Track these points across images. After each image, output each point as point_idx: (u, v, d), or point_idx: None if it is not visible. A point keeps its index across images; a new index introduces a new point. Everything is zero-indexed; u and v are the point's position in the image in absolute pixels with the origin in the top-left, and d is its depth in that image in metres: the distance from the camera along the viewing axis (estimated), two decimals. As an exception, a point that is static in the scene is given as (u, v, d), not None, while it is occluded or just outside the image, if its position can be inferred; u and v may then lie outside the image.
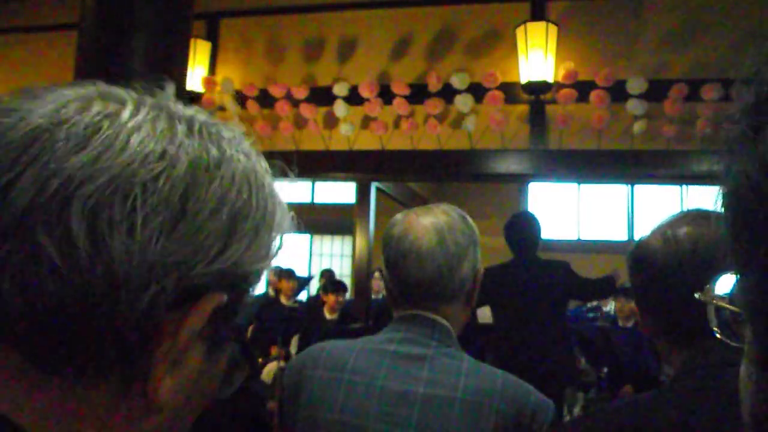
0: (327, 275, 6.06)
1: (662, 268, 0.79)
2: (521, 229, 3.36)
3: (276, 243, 0.41)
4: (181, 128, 0.37)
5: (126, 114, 0.36)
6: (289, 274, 4.98)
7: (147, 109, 0.37)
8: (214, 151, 0.37)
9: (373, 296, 5.33)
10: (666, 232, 0.81)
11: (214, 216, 0.36)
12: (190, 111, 0.40)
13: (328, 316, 4.53)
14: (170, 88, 0.41)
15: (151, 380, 0.36)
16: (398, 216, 1.07)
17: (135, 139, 0.35)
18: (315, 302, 4.79)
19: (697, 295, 0.32)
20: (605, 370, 4.06)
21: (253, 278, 0.40)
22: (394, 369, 0.97)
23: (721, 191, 0.30)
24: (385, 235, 1.07)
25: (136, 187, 0.33)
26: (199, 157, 0.36)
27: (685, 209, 0.87)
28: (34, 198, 0.32)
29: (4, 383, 0.33)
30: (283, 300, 4.84)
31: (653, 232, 0.84)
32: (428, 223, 1.01)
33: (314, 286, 6.36)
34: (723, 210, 0.30)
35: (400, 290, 1.04)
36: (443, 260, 0.99)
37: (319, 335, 4.24)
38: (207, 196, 0.36)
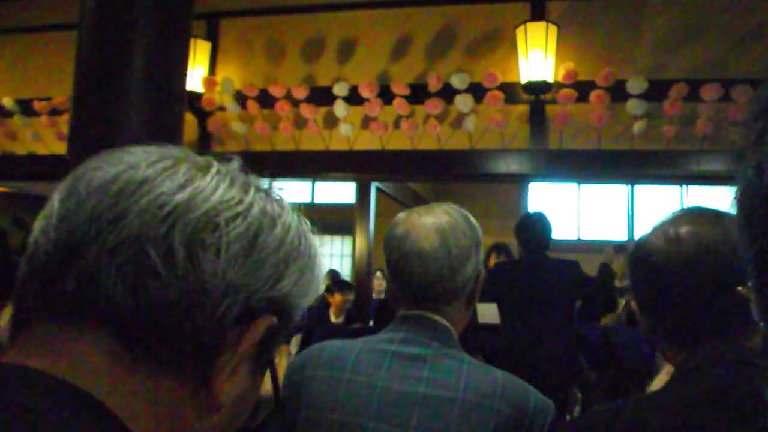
0: (331, 275, 5.96)
1: (665, 268, 0.79)
2: (530, 227, 3.38)
3: (315, 285, 0.51)
4: (253, 187, 0.48)
5: (213, 170, 0.46)
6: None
7: (225, 170, 0.48)
8: (276, 207, 0.48)
9: (374, 296, 5.32)
10: (668, 231, 0.80)
11: (275, 253, 0.46)
12: (254, 177, 0.51)
13: (333, 319, 4.45)
14: (237, 161, 0.51)
15: (215, 382, 0.43)
16: (400, 215, 1.07)
17: (221, 188, 0.45)
18: (320, 304, 4.65)
19: (739, 289, 0.32)
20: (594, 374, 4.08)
21: (296, 311, 0.50)
22: (395, 369, 0.97)
23: (735, 192, 0.30)
24: (387, 236, 1.06)
25: (222, 221, 0.43)
26: (266, 208, 0.47)
27: (683, 207, 0.86)
28: (146, 221, 0.41)
29: (103, 368, 0.41)
30: None
31: (654, 232, 0.83)
32: (430, 224, 1.01)
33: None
34: (737, 211, 0.30)
35: (402, 291, 1.04)
36: (445, 262, 0.99)
37: (320, 336, 4.23)
38: (271, 237, 0.46)
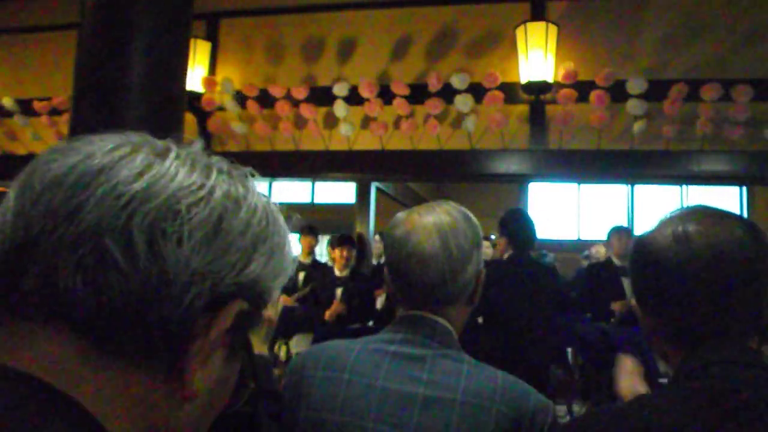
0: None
1: (671, 266, 0.78)
2: (517, 221, 3.36)
3: (286, 265, 0.50)
4: (215, 169, 0.46)
5: (172, 155, 0.45)
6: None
7: (185, 154, 0.46)
8: (240, 188, 0.47)
9: (374, 261, 5.30)
10: (676, 228, 0.79)
11: (241, 237, 0.44)
12: (216, 159, 0.49)
13: (338, 273, 4.57)
14: (199, 143, 0.50)
15: (187, 371, 0.43)
16: (400, 215, 1.06)
17: (181, 173, 0.43)
18: (325, 264, 4.87)
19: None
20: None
21: (268, 294, 0.48)
22: (394, 370, 0.97)
23: None
24: (387, 235, 1.05)
25: (183, 208, 0.42)
26: (230, 190, 0.45)
27: (689, 205, 0.85)
28: (104, 212, 0.40)
29: (71, 366, 0.40)
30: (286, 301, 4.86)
31: (660, 229, 0.81)
32: (431, 225, 1.00)
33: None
34: None
35: (402, 293, 1.03)
36: (446, 265, 0.98)
37: (319, 333, 4.24)
38: (236, 220, 0.45)
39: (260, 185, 0.52)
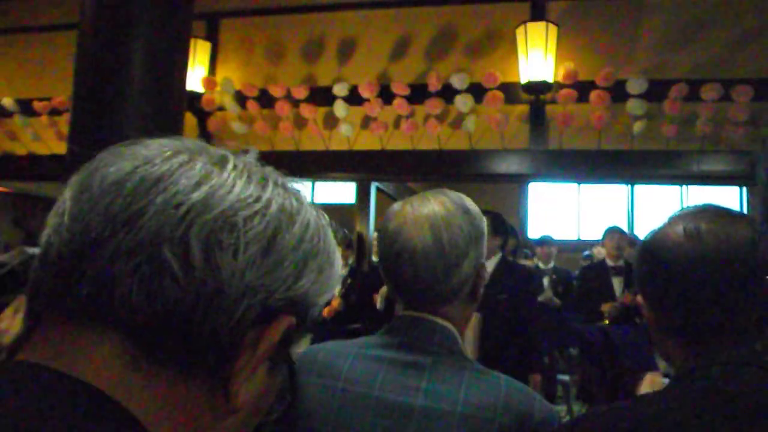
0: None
1: (682, 263, 0.77)
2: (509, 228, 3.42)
3: (333, 281, 0.50)
4: (270, 182, 0.47)
5: (230, 166, 0.45)
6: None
7: (242, 164, 0.46)
8: (294, 202, 0.47)
9: (374, 258, 5.31)
10: (688, 227, 0.78)
11: (293, 252, 0.45)
12: (270, 170, 0.50)
13: None
14: (254, 153, 0.50)
15: (233, 385, 0.42)
16: (395, 206, 0.99)
17: (239, 185, 0.43)
18: None
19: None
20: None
21: (314, 309, 0.48)
22: (391, 379, 0.92)
23: (755, 194, 0.30)
24: (380, 229, 0.99)
25: (240, 221, 0.42)
26: (285, 204, 0.46)
27: (700, 204, 0.84)
28: (163, 221, 0.40)
29: (121, 373, 0.40)
30: None
31: (670, 227, 0.81)
32: (423, 218, 0.93)
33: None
34: (759, 202, 0.30)
35: (395, 292, 0.98)
36: (438, 262, 0.92)
37: (318, 333, 4.24)
38: (290, 235, 0.45)
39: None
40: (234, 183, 0.43)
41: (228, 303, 0.41)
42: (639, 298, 0.86)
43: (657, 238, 0.82)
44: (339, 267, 0.51)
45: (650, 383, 1.11)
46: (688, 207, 0.83)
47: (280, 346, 0.45)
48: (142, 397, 0.40)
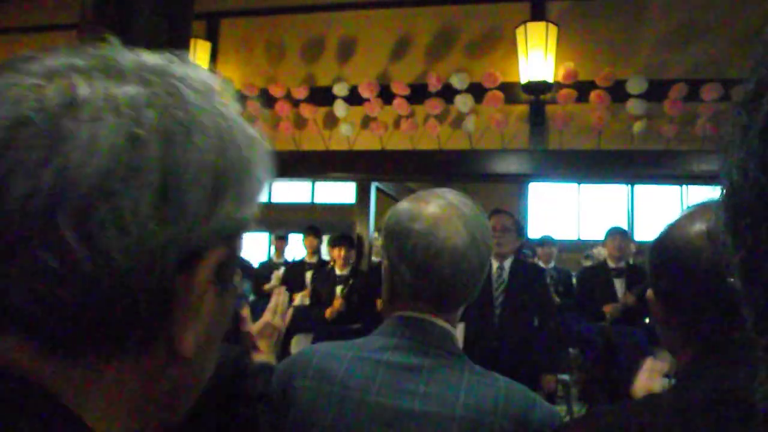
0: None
1: (702, 263, 0.75)
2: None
3: (260, 184, 0.43)
4: (142, 99, 0.36)
5: (83, 100, 0.35)
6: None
7: (103, 86, 0.36)
8: (180, 115, 0.37)
9: (374, 258, 5.31)
10: (709, 225, 0.76)
11: (195, 183, 0.36)
12: (141, 61, 0.39)
13: (338, 271, 4.61)
14: (113, 41, 0.40)
15: (176, 338, 0.38)
16: (405, 206, 0.96)
17: (102, 136, 0.34)
18: (326, 263, 4.95)
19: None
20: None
21: (246, 223, 0.42)
22: (388, 382, 0.90)
23: (720, 193, 0.28)
24: (398, 228, 0.94)
25: (115, 184, 0.34)
26: (169, 131, 0.36)
27: (711, 199, 0.82)
28: (21, 219, 0.33)
29: (34, 364, 0.35)
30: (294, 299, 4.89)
31: (689, 223, 0.78)
32: (459, 221, 0.92)
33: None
34: (723, 213, 0.28)
35: (419, 286, 0.93)
36: (475, 262, 0.91)
37: (319, 333, 4.24)
38: (184, 167, 0.36)
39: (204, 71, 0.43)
40: (94, 136, 0.34)
41: (132, 279, 0.35)
42: (649, 293, 0.85)
43: (672, 232, 0.80)
44: (265, 164, 0.44)
45: (649, 370, 1.11)
46: (704, 201, 0.81)
47: (223, 269, 0.40)
48: (58, 382, 0.35)
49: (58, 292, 0.34)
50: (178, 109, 0.37)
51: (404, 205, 0.98)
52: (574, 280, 5.09)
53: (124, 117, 0.35)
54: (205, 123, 0.38)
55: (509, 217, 3.57)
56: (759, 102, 0.26)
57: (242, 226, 0.41)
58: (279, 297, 1.23)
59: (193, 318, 0.39)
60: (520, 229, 3.57)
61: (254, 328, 1.17)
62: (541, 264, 5.08)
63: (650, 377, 1.10)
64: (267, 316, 1.19)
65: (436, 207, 0.94)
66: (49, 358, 0.35)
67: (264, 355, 1.16)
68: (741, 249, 0.27)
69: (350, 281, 4.51)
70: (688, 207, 0.82)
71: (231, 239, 0.40)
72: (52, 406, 0.35)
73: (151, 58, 0.41)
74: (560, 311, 4.79)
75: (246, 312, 1.22)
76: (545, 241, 5.32)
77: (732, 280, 0.29)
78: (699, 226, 0.78)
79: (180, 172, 0.36)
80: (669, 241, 0.80)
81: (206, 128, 0.38)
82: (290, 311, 1.25)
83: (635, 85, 4.17)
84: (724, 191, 0.28)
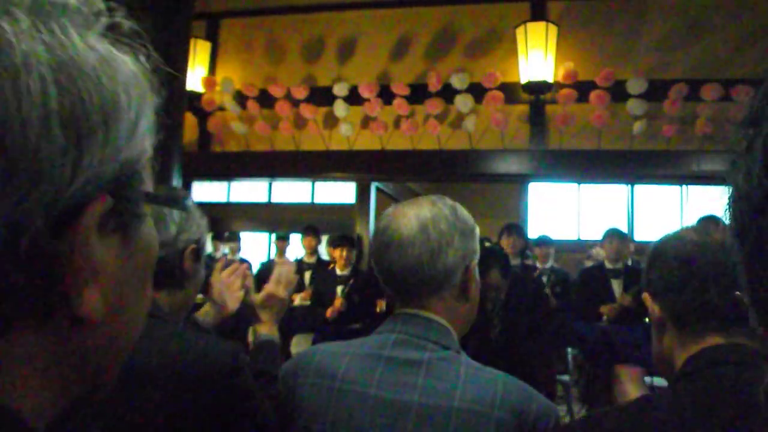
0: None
1: (690, 251, 0.78)
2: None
3: (139, 116, 0.37)
4: None
5: None
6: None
7: None
8: (7, 58, 0.30)
9: (374, 266, 5.34)
10: (707, 229, 0.79)
11: (42, 136, 0.30)
12: None
13: (339, 271, 4.62)
14: None
15: (74, 302, 0.34)
16: (388, 209, 1.04)
17: None
18: (327, 263, 4.95)
19: (737, 294, 0.32)
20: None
21: (134, 162, 0.36)
22: (388, 376, 0.92)
23: (728, 199, 0.30)
24: (374, 228, 1.04)
25: None
26: (5, 86, 0.29)
27: (710, 214, 0.86)
28: None
29: None
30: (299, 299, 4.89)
31: (687, 230, 0.82)
32: (412, 213, 0.98)
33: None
34: (729, 217, 0.30)
35: (385, 282, 1.00)
36: (423, 247, 0.94)
37: (320, 333, 4.24)
38: (22, 120, 0.30)
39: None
40: None
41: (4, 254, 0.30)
42: (645, 294, 0.86)
43: (671, 239, 0.84)
44: (139, 93, 0.37)
45: (628, 378, 1.12)
46: (704, 216, 0.85)
47: (120, 213, 0.35)
48: None
49: None
50: (2, 52, 0.30)
51: (387, 209, 1.04)
52: (571, 280, 5.09)
53: None
54: (37, 59, 0.31)
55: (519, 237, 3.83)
56: (763, 117, 0.28)
57: (132, 168, 0.36)
58: (283, 267, 1.22)
59: (90, 277, 0.34)
60: (521, 231, 3.61)
61: (257, 298, 1.18)
62: (538, 264, 5.09)
63: (636, 386, 1.11)
64: (270, 287, 1.19)
65: (401, 207, 1.00)
66: None
67: (266, 326, 1.17)
68: (746, 248, 0.29)
69: (351, 281, 4.52)
70: (684, 226, 0.86)
71: (116, 183, 0.35)
72: None
73: None
74: (561, 311, 4.80)
75: (250, 282, 1.22)
76: (542, 241, 5.33)
77: (737, 279, 0.31)
78: (696, 235, 0.81)
79: (16, 126, 0.29)
80: (666, 244, 0.82)
81: (41, 65, 0.31)
82: (292, 279, 1.23)
83: (635, 85, 4.17)
84: (730, 198, 0.30)
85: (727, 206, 0.30)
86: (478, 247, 1.02)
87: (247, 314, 1.20)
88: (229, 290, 1.23)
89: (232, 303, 1.22)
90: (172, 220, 1.04)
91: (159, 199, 0.39)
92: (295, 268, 1.26)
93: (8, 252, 0.31)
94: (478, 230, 1.03)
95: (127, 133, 0.35)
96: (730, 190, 0.30)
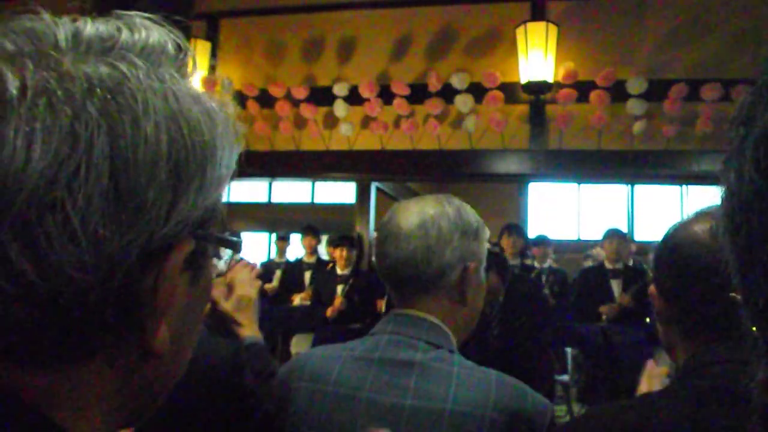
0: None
1: (700, 254, 0.77)
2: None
3: (228, 165, 0.40)
4: (80, 89, 0.32)
5: (12, 97, 0.31)
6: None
7: (35, 76, 0.32)
8: (126, 102, 0.33)
9: (374, 258, 5.33)
10: (711, 222, 0.78)
11: (151, 180, 0.33)
12: (77, 35, 0.35)
13: (339, 271, 4.62)
14: (45, 16, 0.35)
15: (147, 336, 0.36)
16: (396, 204, 1.05)
17: (38, 139, 0.30)
18: (327, 263, 4.94)
19: (732, 295, 0.32)
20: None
21: (216, 208, 0.39)
22: (380, 379, 0.92)
23: (720, 197, 0.31)
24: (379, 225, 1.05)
25: (59, 192, 0.30)
26: (113, 127, 0.32)
27: (710, 206, 0.84)
28: None
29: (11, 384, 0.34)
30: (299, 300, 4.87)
31: (697, 222, 0.80)
32: (416, 209, 0.98)
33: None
34: (721, 215, 0.30)
35: (381, 275, 1.00)
36: (419, 243, 0.94)
37: (320, 333, 4.24)
38: (136, 164, 0.32)
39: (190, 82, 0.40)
40: (28, 146, 0.30)
41: (91, 290, 0.32)
42: (651, 289, 0.85)
43: (678, 231, 0.82)
44: (230, 138, 0.41)
45: (649, 376, 1.11)
46: (709, 206, 0.82)
47: (194, 259, 0.37)
48: (28, 390, 0.33)
49: (12, 310, 0.31)
50: (121, 95, 0.33)
51: (393, 206, 1.05)
52: (570, 280, 5.09)
53: (62, 113, 0.31)
54: (157, 115, 0.34)
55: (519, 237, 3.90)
56: (755, 117, 0.28)
57: (212, 212, 0.38)
58: (237, 273, 1.21)
59: (163, 314, 0.36)
60: (521, 231, 3.62)
61: (228, 306, 1.18)
62: (537, 264, 5.09)
63: (651, 382, 1.10)
64: (237, 291, 1.19)
65: (407, 204, 1.00)
66: (15, 369, 0.33)
67: (248, 328, 1.17)
68: (737, 245, 0.29)
69: (351, 281, 4.52)
70: (695, 211, 0.83)
71: (200, 227, 0.37)
72: (25, 411, 0.33)
73: (89, 27, 0.37)
74: (562, 311, 4.80)
75: (217, 292, 1.21)
76: (540, 241, 5.33)
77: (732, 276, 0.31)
78: (703, 226, 0.79)
79: (131, 169, 0.32)
80: (674, 240, 0.81)
81: (159, 121, 0.34)
82: (257, 270, 1.23)
83: (635, 85, 4.17)
84: (723, 195, 0.30)
85: (720, 204, 0.31)
86: (482, 250, 1.01)
87: (221, 326, 1.19)
88: (247, 280, 1.22)
89: (252, 291, 1.22)
90: None
91: (226, 243, 0.42)
92: (246, 263, 1.26)
93: (103, 286, 0.32)
94: (486, 234, 1.02)
95: (217, 181, 0.38)
96: (723, 188, 0.30)
